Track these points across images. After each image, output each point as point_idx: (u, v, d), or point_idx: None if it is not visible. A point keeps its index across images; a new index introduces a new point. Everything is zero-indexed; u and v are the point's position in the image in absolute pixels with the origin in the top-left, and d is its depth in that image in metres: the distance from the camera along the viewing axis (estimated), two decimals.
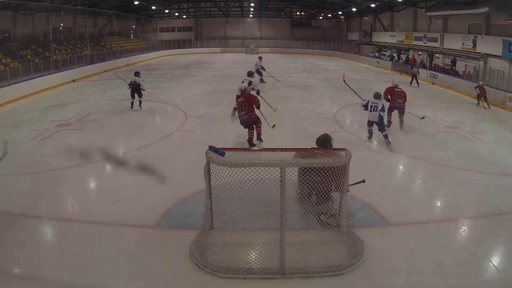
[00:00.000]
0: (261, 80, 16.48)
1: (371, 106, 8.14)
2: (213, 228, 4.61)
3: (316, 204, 4.77)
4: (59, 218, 5.10)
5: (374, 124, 8.24)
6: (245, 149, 4.30)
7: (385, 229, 4.93)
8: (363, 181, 5.34)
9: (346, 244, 4.42)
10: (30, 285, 3.86)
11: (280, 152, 4.25)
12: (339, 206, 4.52)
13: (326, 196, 4.65)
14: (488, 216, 5.34)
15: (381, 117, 8.07)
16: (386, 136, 8.16)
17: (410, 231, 4.89)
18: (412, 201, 5.76)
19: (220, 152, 4.02)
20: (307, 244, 4.28)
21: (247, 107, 7.68)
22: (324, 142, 5.40)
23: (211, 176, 4.21)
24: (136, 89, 11.15)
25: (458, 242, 4.80)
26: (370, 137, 8.54)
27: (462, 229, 5.02)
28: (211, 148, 4.09)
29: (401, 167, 7.49)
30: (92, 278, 3.90)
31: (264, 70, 17.02)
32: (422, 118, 9.91)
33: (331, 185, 4.43)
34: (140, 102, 11.47)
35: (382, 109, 8.08)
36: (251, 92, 8.64)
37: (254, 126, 7.89)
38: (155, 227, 4.89)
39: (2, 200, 5.50)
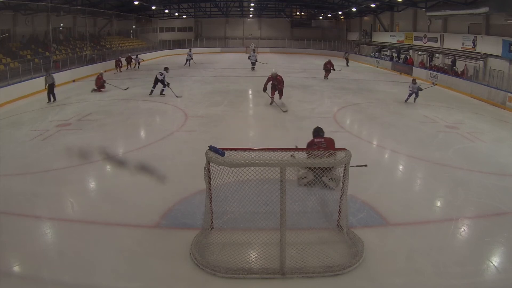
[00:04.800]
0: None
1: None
2: (213, 228, 4.61)
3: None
4: (59, 218, 5.10)
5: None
6: (245, 149, 4.30)
7: (385, 229, 4.93)
8: (365, 165, 6.07)
9: (346, 244, 4.42)
10: (30, 285, 3.86)
11: (280, 152, 4.25)
12: (339, 206, 4.52)
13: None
14: (488, 216, 5.34)
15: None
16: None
17: (410, 231, 4.89)
18: (412, 201, 5.75)
19: (220, 152, 4.01)
20: (307, 244, 4.29)
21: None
22: (318, 131, 6.31)
23: (211, 176, 4.21)
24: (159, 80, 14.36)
25: (458, 242, 4.80)
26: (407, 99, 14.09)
27: (462, 229, 5.02)
28: (211, 148, 4.09)
29: (401, 167, 7.49)
30: (92, 278, 3.90)
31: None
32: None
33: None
34: (162, 90, 14.36)
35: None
36: None
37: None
38: (155, 227, 4.89)
39: (2, 200, 5.50)
